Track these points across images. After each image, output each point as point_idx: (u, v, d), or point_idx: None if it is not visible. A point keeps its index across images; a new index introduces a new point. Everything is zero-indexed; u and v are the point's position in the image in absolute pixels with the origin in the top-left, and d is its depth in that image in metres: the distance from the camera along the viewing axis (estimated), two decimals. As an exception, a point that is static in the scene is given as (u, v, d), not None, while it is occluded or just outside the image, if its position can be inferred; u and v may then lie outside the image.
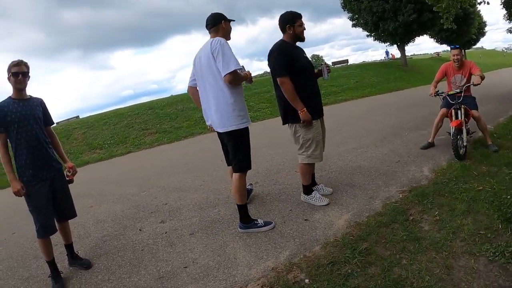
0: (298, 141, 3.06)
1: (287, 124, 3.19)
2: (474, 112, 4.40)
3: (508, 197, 2.91)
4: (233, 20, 2.84)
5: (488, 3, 9.71)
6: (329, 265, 2.26)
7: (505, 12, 13.17)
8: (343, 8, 22.87)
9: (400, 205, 3.06)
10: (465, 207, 2.84)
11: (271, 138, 7.08)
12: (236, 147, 2.72)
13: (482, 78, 4.20)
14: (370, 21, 21.39)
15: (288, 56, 2.89)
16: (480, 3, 9.88)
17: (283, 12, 3.07)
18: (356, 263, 2.24)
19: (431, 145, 4.83)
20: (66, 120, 18.27)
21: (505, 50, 75.23)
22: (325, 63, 3.42)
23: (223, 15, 2.78)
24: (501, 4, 12.97)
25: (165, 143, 9.17)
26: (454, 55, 4.48)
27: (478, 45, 47.35)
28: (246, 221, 2.87)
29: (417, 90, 14.76)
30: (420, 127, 6.38)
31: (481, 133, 4.76)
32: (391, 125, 6.91)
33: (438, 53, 54.27)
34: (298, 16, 2.99)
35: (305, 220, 2.99)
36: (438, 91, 4.47)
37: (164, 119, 11.01)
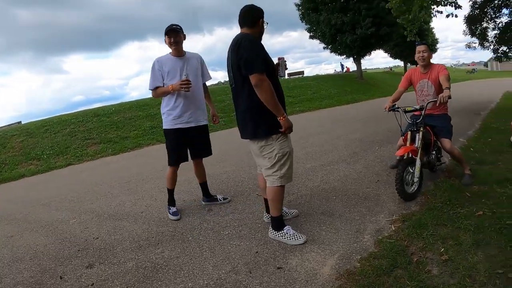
0: (271, 158, 2.97)
1: (252, 140, 3.07)
2: (445, 142, 4.12)
3: None
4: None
5: (456, 16, 11.73)
6: None
7: (466, 27, 15.62)
8: (301, 20, 26.43)
9: (396, 240, 3.01)
10: (472, 239, 2.90)
11: (227, 152, 7.28)
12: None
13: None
14: (328, 33, 24.66)
15: (263, 50, 2.89)
16: (447, 16, 11.82)
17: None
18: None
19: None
20: (7, 125, 18.65)
21: (453, 66, 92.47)
22: (283, 58, 3.23)
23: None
24: (463, 20, 15.36)
25: (109, 155, 9.56)
26: (419, 52, 4.16)
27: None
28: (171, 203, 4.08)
29: (375, 102, 16.89)
30: (391, 140, 6.81)
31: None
32: (358, 138, 7.37)
33: (391, 68, 63.88)
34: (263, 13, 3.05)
35: (278, 268, 2.76)
36: (395, 105, 4.20)
37: (110, 128, 11.55)
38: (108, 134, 11.10)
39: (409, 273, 2.52)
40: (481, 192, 3.88)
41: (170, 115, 3.78)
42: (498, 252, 2.69)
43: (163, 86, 3.75)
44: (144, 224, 3.95)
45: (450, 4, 11.64)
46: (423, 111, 3.96)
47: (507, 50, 14.29)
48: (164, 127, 3.88)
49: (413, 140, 3.94)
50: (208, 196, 4.29)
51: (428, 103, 4.02)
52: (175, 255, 3.14)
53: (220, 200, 4.26)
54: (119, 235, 3.75)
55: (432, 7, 11.97)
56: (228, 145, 8.12)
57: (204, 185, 4.29)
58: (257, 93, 2.79)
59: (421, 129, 3.90)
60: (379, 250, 2.88)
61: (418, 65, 4.37)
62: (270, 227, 3.20)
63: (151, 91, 3.84)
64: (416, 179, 3.82)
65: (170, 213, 4.00)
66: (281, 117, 2.86)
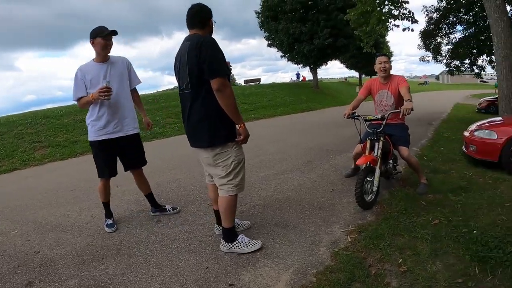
0: (227, 166, 2.90)
1: (206, 148, 2.91)
2: (402, 150, 4.25)
3: (474, 231, 3.10)
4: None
5: (412, 30, 12.93)
6: None
7: (421, 42, 16.85)
8: (260, 28, 27.58)
9: (353, 252, 2.94)
10: (430, 249, 2.91)
11: (179, 159, 7.23)
12: None
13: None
14: (286, 42, 25.85)
15: (223, 53, 2.79)
16: (404, 30, 12.81)
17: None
18: None
19: (356, 171, 5.06)
20: None
21: (406, 78, 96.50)
22: (229, 62, 3.16)
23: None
24: (419, 34, 16.43)
25: (58, 160, 9.37)
26: (381, 63, 4.32)
27: None
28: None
29: (330, 111, 17.69)
30: (345, 149, 7.00)
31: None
32: (313, 147, 7.45)
33: (346, 78, 68.37)
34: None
35: (230, 285, 2.62)
36: (355, 113, 4.29)
37: (59, 131, 11.37)
38: (57, 138, 10.85)
39: (367, 286, 2.44)
40: (436, 201, 3.97)
41: (94, 126, 3.58)
42: (457, 261, 2.69)
43: (87, 95, 3.50)
44: (89, 237, 3.74)
45: (407, 18, 12.53)
46: (384, 121, 4.04)
47: (459, 64, 15.26)
48: (89, 139, 3.69)
49: (372, 148, 4.00)
50: (156, 206, 4.07)
51: (390, 113, 4.12)
52: (120, 271, 2.94)
53: (169, 211, 4.05)
54: (62, 249, 3.52)
55: (390, 20, 12.85)
56: (181, 151, 7.95)
57: (149, 196, 4.07)
58: (218, 98, 2.70)
59: (381, 138, 3.99)
60: (335, 263, 2.79)
61: (377, 76, 4.56)
62: (222, 239, 3.09)
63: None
64: (375, 188, 3.89)
65: (105, 225, 3.83)
66: (241, 125, 2.83)
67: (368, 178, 3.84)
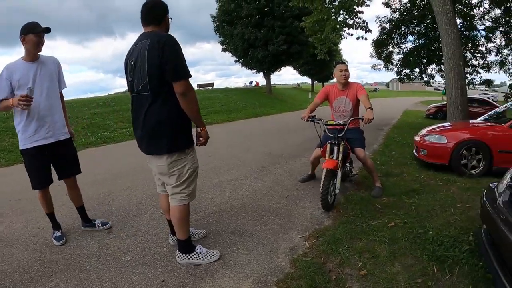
0: (182, 174, 2.80)
1: (162, 155, 2.77)
2: (359, 151, 4.48)
3: (430, 232, 3.24)
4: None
5: (365, 39, 13.62)
6: None
7: (373, 51, 17.68)
8: (215, 32, 28.18)
9: (312, 258, 2.94)
10: (388, 251, 2.99)
11: (129, 166, 6.95)
12: None
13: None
14: (240, 47, 26.34)
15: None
16: (358, 38, 13.49)
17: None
18: None
19: (311, 177, 5.23)
20: None
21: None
22: None
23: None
24: (372, 43, 17.29)
25: (3, 166, 8.55)
26: (341, 71, 4.55)
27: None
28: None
29: (283, 117, 18.01)
30: (299, 154, 7.17)
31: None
32: (266, 152, 7.49)
33: (298, 84, 70.70)
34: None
35: None
36: (315, 116, 4.44)
37: (5, 135, 10.62)
38: (3, 142, 10.20)
39: (329, 292, 2.42)
40: (391, 203, 4.12)
41: (25, 133, 3.33)
42: (415, 262, 2.79)
43: (9, 98, 3.24)
44: (37, 251, 3.46)
45: (361, 28, 13.16)
46: (346, 127, 4.24)
47: (409, 73, 16.07)
48: (20, 147, 3.42)
49: (331, 152, 4.16)
50: (87, 221, 3.82)
51: (351, 120, 4.33)
52: (71, 288, 2.80)
53: (99, 226, 3.80)
54: (8, 265, 3.24)
55: (344, 29, 13.52)
56: (132, 158, 7.65)
57: (81, 209, 3.81)
58: (182, 102, 2.61)
59: (342, 143, 4.17)
60: (295, 270, 2.76)
61: (335, 82, 4.80)
62: (178, 251, 2.98)
63: None
64: (337, 190, 4.09)
65: (53, 238, 3.57)
66: (203, 128, 2.84)
67: (332, 182, 4.00)
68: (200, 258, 2.91)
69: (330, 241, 3.16)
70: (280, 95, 31.96)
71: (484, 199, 2.83)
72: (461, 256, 2.81)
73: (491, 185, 3.02)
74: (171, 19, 2.88)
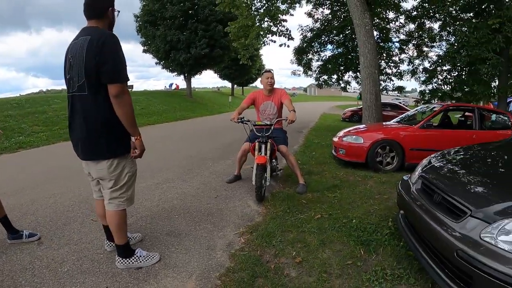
0: (121, 178, 2.79)
1: (101, 160, 2.71)
2: (282, 147, 5.11)
3: (353, 221, 3.72)
4: None
5: (288, 46, 14.46)
6: None
7: (294, 57, 18.53)
8: (137, 32, 27.97)
9: (250, 252, 3.18)
10: (318, 240, 3.36)
11: (52, 172, 6.62)
12: None
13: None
14: (162, 49, 26.45)
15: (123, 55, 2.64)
16: (281, 45, 14.31)
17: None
18: None
19: (237, 178, 5.58)
20: None
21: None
22: None
23: None
24: (293, 50, 18.24)
25: None
26: (268, 78, 5.17)
27: (254, 84, 64.11)
28: None
29: (203, 120, 18.34)
30: (223, 156, 7.47)
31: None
32: (191, 155, 7.63)
33: (219, 88, 72.53)
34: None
35: None
36: (243, 118, 4.96)
37: None
38: None
39: (270, 280, 2.69)
40: (315, 199, 4.58)
41: None
42: (343, 247, 3.20)
43: None
44: None
45: (285, 35, 13.97)
46: (272, 127, 4.86)
47: (327, 79, 17.18)
48: None
49: (259, 149, 4.71)
50: (13, 232, 3.58)
51: (276, 120, 5.06)
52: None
53: (26, 237, 3.59)
54: None
55: (268, 36, 14.23)
56: (53, 163, 7.29)
57: (4, 220, 3.55)
58: (115, 105, 2.54)
59: (269, 141, 4.74)
60: (235, 263, 2.96)
61: (261, 88, 5.41)
62: (117, 256, 2.96)
63: None
64: (268, 183, 4.63)
65: None
66: (138, 137, 2.74)
67: (263, 176, 4.45)
68: (140, 261, 2.93)
69: (264, 235, 3.43)
70: (200, 98, 32.15)
71: (400, 188, 3.33)
72: (384, 239, 3.28)
73: (404, 177, 3.56)
74: (118, 11, 2.80)
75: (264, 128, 4.84)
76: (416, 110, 8.92)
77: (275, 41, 15.15)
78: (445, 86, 12.86)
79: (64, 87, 2.91)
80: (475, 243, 2.08)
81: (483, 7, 10.91)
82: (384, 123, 8.20)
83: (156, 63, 29.41)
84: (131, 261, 2.91)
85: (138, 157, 2.83)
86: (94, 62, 2.45)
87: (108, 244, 3.21)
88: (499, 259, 1.93)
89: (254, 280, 2.69)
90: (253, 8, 13.73)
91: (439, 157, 3.52)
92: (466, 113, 7.84)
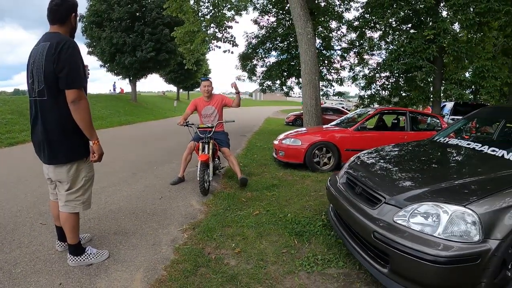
0: (78, 181, 2.91)
1: (59, 164, 2.81)
2: (225, 149, 5.69)
3: (288, 215, 4.10)
4: None
5: (232, 52, 15.07)
6: None
7: (239, 63, 19.01)
8: (83, 33, 26.93)
9: (192, 245, 3.42)
10: (255, 233, 3.68)
11: None
12: None
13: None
14: (108, 51, 25.71)
15: (82, 59, 2.72)
16: (225, 52, 14.81)
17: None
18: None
19: (181, 180, 5.82)
20: None
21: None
22: (87, 66, 3.23)
23: None
24: (238, 56, 18.51)
25: None
26: (205, 86, 5.69)
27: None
28: None
29: (148, 125, 18.25)
30: (168, 160, 7.63)
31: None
32: (136, 160, 7.70)
33: (164, 92, 70.98)
34: (77, 5, 2.90)
35: None
36: (188, 122, 5.56)
37: None
38: None
39: (211, 269, 2.96)
40: (254, 197, 4.93)
41: None
42: (279, 238, 3.54)
43: None
44: None
45: (229, 42, 14.44)
46: (213, 128, 5.48)
47: (271, 84, 17.66)
48: None
49: (203, 149, 5.27)
50: None
51: (218, 123, 5.65)
52: None
53: None
54: None
55: (213, 41, 14.65)
56: None
57: None
58: (72, 111, 2.63)
59: (211, 141, 5.32)
60: (179, 256, 3.19)
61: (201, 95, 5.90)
62: (69, 254, 3.07)
63: None
64: (210, 178, 5.22)
65: None
66: (95, 141, 2.83)
67: (206, 171, 5.05)
68: (91, 259, 3.07)
69: (205, 230, 3.70)
70: (145, 103, 31.64)
71: (328, 184, 3.72)
72: (316, 230, 3.68)
73: (332, 174, 3.96)
74: (79, 17, 2.91)
75: (207, 130, 5.44)
76: (356, 113, 9.51)
77: (220, 47, 15.40)
78: (384, 92, 13.74)
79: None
80: (389, 225, 2.47)
81: (421, 19, 11.87)
82: (324, 126, 8.69)
83: (101, 66, 28.46)
84: (82, 258, 3.04)
85: (98, 161, 2.93)
86: (52, 68, 2.55)
87: (59, 245, 3.30)
88: (409, 237, 2.32)
89: (197, 269, 2.94)
90: (200, 14, 13.98)
91: (364, 155, 3.98)
92: (399, 116, 8.60)
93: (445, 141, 4.05)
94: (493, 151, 3.30)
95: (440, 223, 2.30)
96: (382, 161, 3.76)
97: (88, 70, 3.56)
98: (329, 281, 2.81)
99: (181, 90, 49.00)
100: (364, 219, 2.69)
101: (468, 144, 3.72)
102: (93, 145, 2.85)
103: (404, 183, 2.92)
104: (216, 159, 5.87)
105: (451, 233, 2.26)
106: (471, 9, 10.25)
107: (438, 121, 8.06)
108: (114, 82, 43.86)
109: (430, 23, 11.55)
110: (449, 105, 13.85)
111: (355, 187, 3.17)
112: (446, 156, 3.76)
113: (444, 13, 12.08)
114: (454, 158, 3.66)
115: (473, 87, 11.78)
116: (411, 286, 2.37)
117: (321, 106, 11.00)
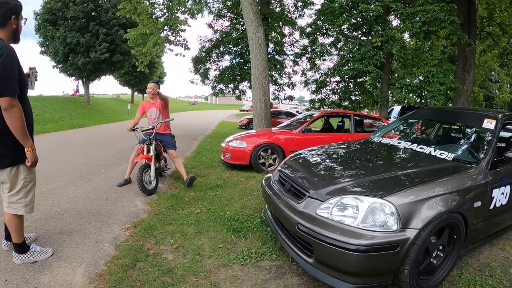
0: (18, 183, 2.97)
1: (1, 168, 2.86)
2: (171, 152, 5.93)
3: (228, 212, 4.35)
4: None
5: (184, 55, 15.54)
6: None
7: (192, 66, 18.78)
8: (36, 32, 25.80)
9: (133, 242, 3.59)
10: (195, 230, 3.91)
11: None
12: None
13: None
14: (61, 51, 24.95)
15: (19, 64, 2.72)
16: (177, 55, 15.26)
17: None
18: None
19: (127, 181, 5.93)
20: None
21: (178, 98, 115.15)
22: (35, 68, 3.26)
23: None
24: (191, 59, 18.34)
25: None
26: (150, 88, 5.82)
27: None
28: None
29: (101, 128, 17.84)
30: (116, 163, 7.67)
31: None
32: (84, 163, 7.68)
33: (118, 95, 70.33)
34: (21, 8, 2.85)
35: None
36: (135, 126, 5.76)
37: None
38: None
39: (149, 263, 3.16)
40: (198, 197, 5.15)
41: None
42: (217, 234, 3.78)
43: None
44: None
45: (181, 45, 14.68)
46: (154, 130, 5.65)
47: (223, 88, 17.81)
48: None
49: (148, 151, 5.48)
50: None
51: (159, 123, 5.80)
52: None
53: None
54: None
55: (165, 44, 14.68)
56: None
57: None
58: (5, 118, 2.65)
59: (153, 143, 5.52)
60: (119, 252, 3.37)
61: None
62: (14, 252, 3.18)
63: None
64: (152, 179, 5.35)
65: None
66: (29, 149, 2.85)
67: (145, 171, 5.26)
68: (35, 256, 3.19)
69: (146, 228, 3.88)
70: (98, 105, 30.89)
71: (263, 183, 3.93)
72: (254, 226, 3.95)
73: (267, 174, 4.18)
74: (25, 19, 2.85)
75: (150, 132, 5.70)
76: (304, 115, 9.91)
77: (172, 50, 15.58)
78: (334, 96, 14.23)
79: None
80: (312, 217, 2.73)
81: (371, 26, 12.46)
82: (273, 128, 8.90)
83: (54, 67, 27.36)
84: (26, 256, 3.15)
85: (32, 167, 2.97)
86: None
87: (6, 244, 3.37)
88: (330, 228, 2.57)
89: (136, 264, 3.13)
90: (154, 16, 13.96)
91: (297, 154, 4.23)
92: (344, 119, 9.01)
93: (378, 141, 4.42)
94: (421, 148, 3.68)
95: (359, 214, 2.54)
96: (312, 159, 4.02)
97: (36, 72, 3.52)
98: (262, 273, 3.06)
99: (136, 92, 48.15)
100: (290, 213, 2.94)
101: (399, 142, 4.12)
102: (27, 152, 2.86)
103: (326, 179, 3.19)
104: (162, 161, 6.10)
105: (370, 224, 2.51)
106: (418, 18, 10.88)
107: (382, 123, 8.55)
108: (78, 83, 42.45)
109: (379, 31, 12.22)
110: (397, 108, 14.63)
111: (285, 184, 3.41)
112: (376, 154, 4.05)
113: (394, 22, 12.84)
114: (383, 155, 3.97)
115: (419, 91, 12.45)
116: (336, 275, 2.59)
117: (275, 109, 11.33)
